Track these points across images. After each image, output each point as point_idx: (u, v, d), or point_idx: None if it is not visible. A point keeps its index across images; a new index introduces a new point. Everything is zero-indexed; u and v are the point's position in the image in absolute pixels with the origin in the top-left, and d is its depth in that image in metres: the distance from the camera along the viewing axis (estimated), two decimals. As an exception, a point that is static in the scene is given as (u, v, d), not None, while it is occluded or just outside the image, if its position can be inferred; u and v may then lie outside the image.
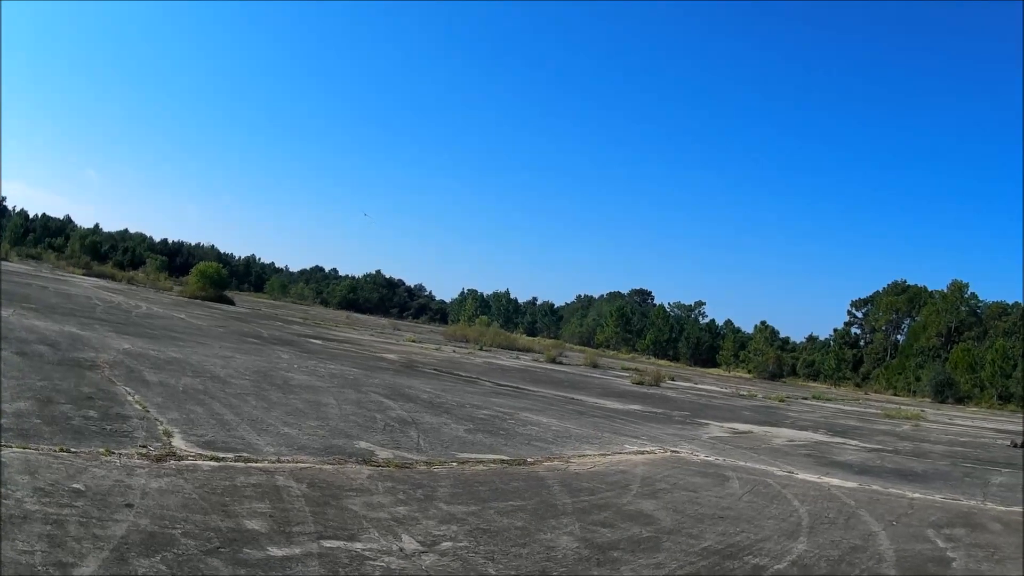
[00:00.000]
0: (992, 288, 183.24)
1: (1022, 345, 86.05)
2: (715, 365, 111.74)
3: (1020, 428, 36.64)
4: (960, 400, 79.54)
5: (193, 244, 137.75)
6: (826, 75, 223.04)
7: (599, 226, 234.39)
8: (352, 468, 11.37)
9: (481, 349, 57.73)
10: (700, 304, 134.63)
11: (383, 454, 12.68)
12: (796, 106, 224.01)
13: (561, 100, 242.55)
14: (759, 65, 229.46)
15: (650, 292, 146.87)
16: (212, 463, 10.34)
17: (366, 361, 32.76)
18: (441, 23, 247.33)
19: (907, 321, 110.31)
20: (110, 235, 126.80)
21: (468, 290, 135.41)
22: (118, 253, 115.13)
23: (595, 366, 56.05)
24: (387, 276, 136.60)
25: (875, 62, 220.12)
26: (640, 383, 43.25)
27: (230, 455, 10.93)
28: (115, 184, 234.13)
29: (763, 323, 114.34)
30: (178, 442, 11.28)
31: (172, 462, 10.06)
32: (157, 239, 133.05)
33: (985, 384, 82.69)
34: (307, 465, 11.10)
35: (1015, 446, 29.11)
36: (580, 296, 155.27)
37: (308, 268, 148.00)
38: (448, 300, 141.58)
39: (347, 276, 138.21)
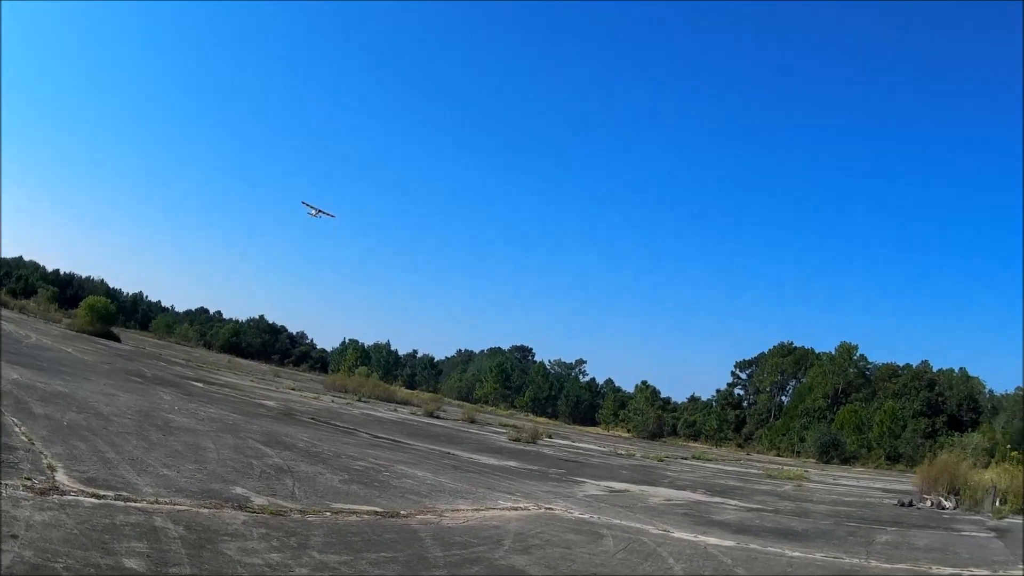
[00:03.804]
0: (882, 350, 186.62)
1: (912, 406, 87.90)
2: (595, 424, 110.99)
3: (909, 487, 36.73)
4: (846, 460, 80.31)
5: (84, 277, 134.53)
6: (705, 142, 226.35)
7: (481, 281, 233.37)
8: (228, 513, 11.51)
9: (360, 400, 57.39)
10: (581, 362, 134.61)
11: (259, 500, 12.81)
12: (677, 168, 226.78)
13: (452, 154, 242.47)
14: (638, 124, 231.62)
15: (531, 349, 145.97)
16: (93, 500, 10.46)
17: (246, 407, 32.61)
18: (337, 56, 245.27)
19: (793, 382, 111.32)
20: (5, 261, 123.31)
21: (349, 340, 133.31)
22: (11, 280, 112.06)
23: (473, 421, 56.00)
24: (270, 322, 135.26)
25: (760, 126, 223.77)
26: (517, 440, 43.23)
27: (110, 493, 11.04)
28: (14, 209, 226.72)
29: (644, 383, 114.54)
30: (61, 477, 11.37)
31: (55, 496, 10.18)
32: (50, 269, 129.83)
33: (873, 445, 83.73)
34: (184, 508, 11.24)
35: (903, 505, 29.37)
36: (460, 350, 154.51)
37: (194, 309, 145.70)
38: (329, 349, 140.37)
39: (231, 319, 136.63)
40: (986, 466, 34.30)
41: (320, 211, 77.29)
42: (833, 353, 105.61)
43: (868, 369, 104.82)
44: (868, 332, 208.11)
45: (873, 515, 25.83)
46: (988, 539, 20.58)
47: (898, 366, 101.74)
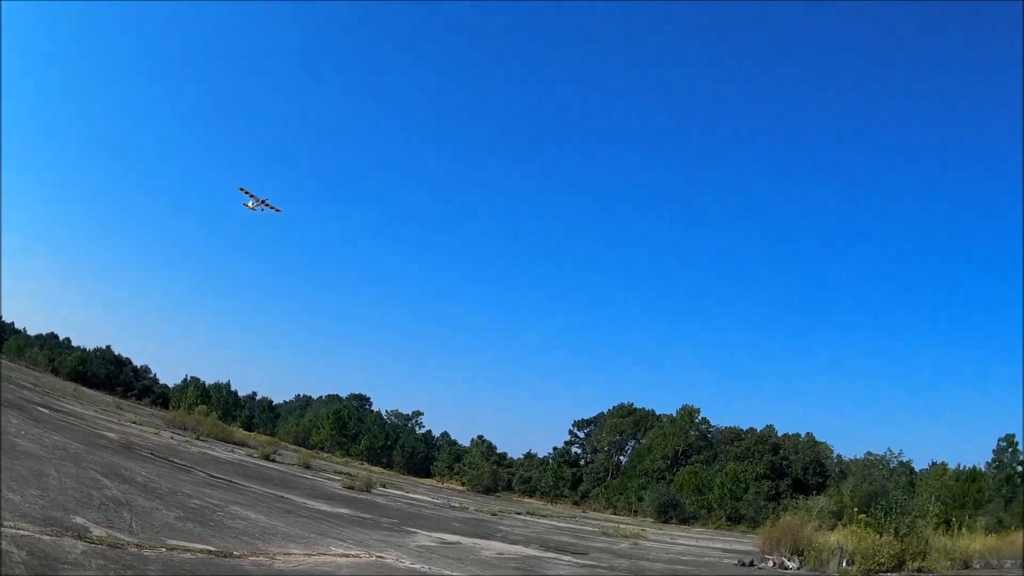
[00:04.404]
0: (726, 415, 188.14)
1: (755, 469, 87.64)
2: (429, 475, 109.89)
3: (751, 548, 35.56)
4: (685, 520, 79.47)
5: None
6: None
7: (321, 328, 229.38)
8: (68, 542, 11.50)
9: (198, 438, 55.95)
10: (418, 414, 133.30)
11: (97, 532, 12.78)
12: (522, 225, 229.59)
13: (296, 205, 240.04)
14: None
15: (368, 398, 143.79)
16: (-62, 519, 10.41)
17: (88, 437, 31.77)
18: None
19: (632, 443, 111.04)
20: None
21: (191, 377, 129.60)
22: None
23: (308, 467, 55.21)
24: (116, 353, 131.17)
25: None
26: (351, 487, 42.67)
27: (-45, 514, 10.98)
28: None
29: (480, 437, 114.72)
30: (-94, 495, 11.25)
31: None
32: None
33: (713, 506, 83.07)
34: (27, 533, 11.22)
35: (744, 565, 29.14)
36: (299, 395, 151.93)
37: (44, 334, 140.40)
38: (171, 385, 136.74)
39: (79, 347, 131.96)
40: (832, 528, 34.09)
41: (263, 202, 64.05)
42: (674, 415, 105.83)
43: (710, 432, 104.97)
44: (712, 398, 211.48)
45: (712, 574, 25.98)
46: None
47: (741, 430, 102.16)
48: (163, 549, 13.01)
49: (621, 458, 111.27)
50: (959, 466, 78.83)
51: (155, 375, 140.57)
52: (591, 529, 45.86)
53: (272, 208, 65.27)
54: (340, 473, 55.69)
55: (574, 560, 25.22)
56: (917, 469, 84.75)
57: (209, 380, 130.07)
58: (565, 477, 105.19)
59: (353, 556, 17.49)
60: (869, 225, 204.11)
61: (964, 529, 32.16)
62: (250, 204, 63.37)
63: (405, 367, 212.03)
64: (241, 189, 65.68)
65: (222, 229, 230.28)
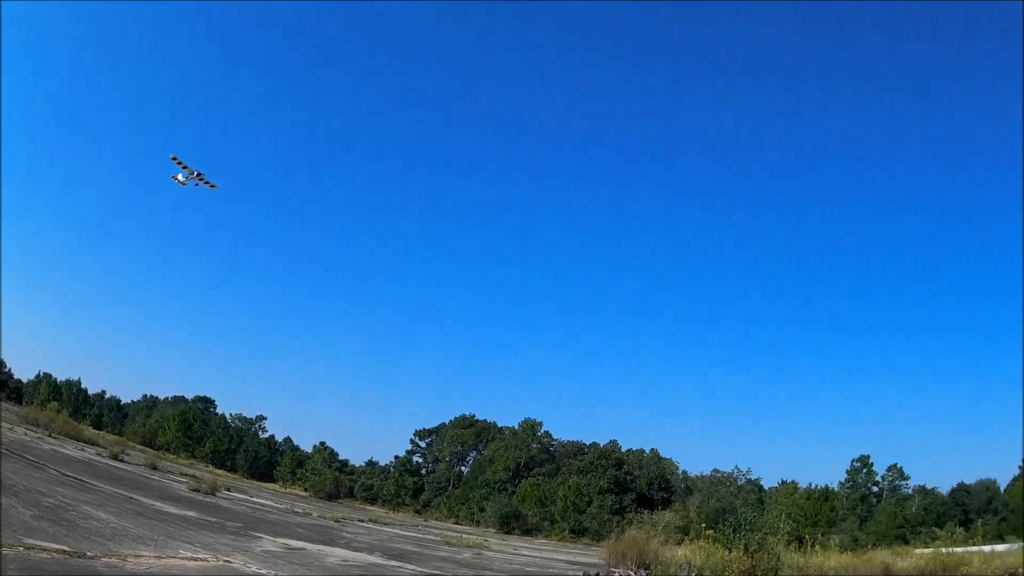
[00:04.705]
0: (565, 428, 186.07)
1: (599, 483, 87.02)
2: (272, 480, 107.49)
3: (595, 560, 34.69)
4: (528, 532, 77.93)
5: None
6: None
7: (168, 328, 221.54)
8: (-70, 539, 11.74)
9: (50, 435, 54.61)
10: (261, 418, 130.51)
11: (-44, 530, 12.98)
12: (367, 237, 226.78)
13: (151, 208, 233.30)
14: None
15: (213, 400, 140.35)
16: None
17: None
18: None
19: (473, 454, 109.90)
20: None
21: (44, 373, 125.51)
22: None
23: (155, 468, 54.23)
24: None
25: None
26: (197, 490, 42.30)
27: None
28: None
29: (322, 444, 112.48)
30: None
31: None
32: None
33: (556, 518, 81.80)
34: None
35: None
36: (146, 395, 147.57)
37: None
38: (25, 380, 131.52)
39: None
40: (679, 543, 33.52)
41: (198, 176, 53.98)
42: (516, 428, 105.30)
43: (552, 446, 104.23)
44: (555, 413, 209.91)
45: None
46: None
47: (584, 444, 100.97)
48: (21, 548, 13.24)
49: (463, 468, 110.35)
50: (810, 485, 79.40)
51: (10, 369, 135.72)
52: (434, 538, 45.75)
53: (208, 184, 56.55)
54: (186, 475, 54.69)
55: (418, 569, 25.33)
56: (766, 487, 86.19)
57: (61, 376, 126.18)
58: (407, 486, 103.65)
59: (201, 560, 17.63)
60: (721, 232, 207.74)
61: (818, 547, 32.17)
62: (181, 177, 54.48)
63: (249, 370, 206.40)
64: (173, 158, 55.55)
65: (81, 213, 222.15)
